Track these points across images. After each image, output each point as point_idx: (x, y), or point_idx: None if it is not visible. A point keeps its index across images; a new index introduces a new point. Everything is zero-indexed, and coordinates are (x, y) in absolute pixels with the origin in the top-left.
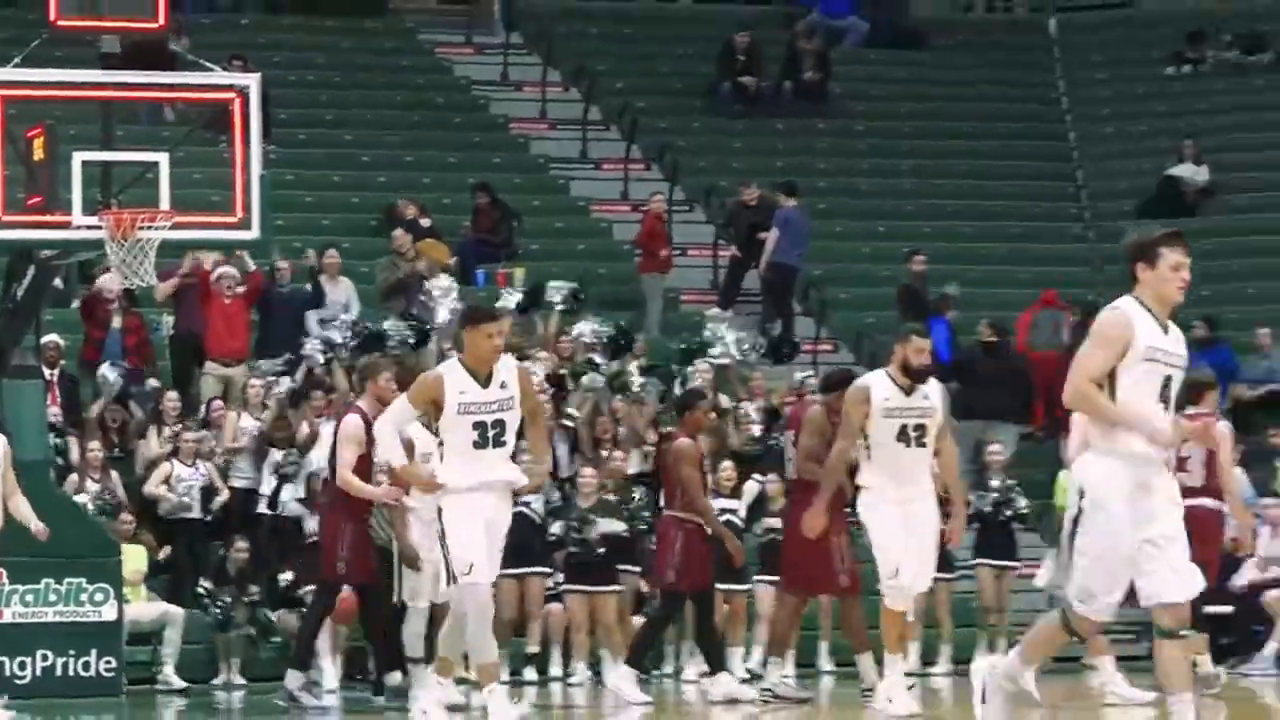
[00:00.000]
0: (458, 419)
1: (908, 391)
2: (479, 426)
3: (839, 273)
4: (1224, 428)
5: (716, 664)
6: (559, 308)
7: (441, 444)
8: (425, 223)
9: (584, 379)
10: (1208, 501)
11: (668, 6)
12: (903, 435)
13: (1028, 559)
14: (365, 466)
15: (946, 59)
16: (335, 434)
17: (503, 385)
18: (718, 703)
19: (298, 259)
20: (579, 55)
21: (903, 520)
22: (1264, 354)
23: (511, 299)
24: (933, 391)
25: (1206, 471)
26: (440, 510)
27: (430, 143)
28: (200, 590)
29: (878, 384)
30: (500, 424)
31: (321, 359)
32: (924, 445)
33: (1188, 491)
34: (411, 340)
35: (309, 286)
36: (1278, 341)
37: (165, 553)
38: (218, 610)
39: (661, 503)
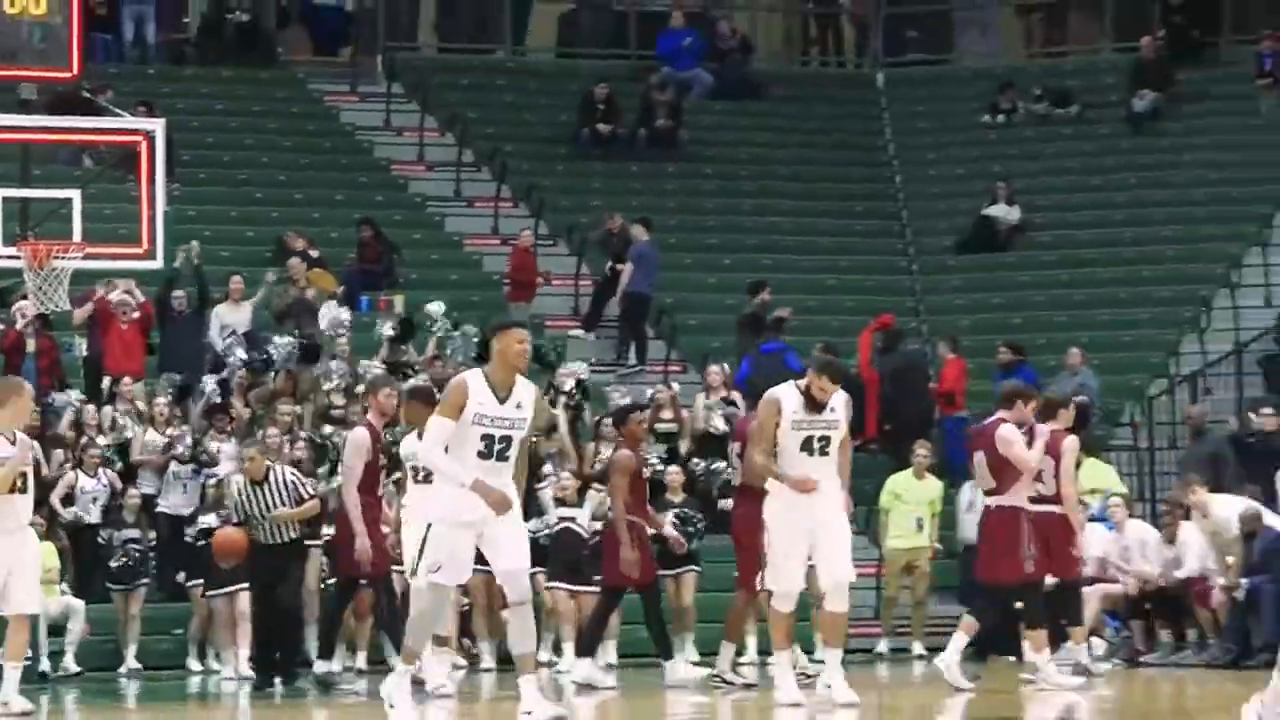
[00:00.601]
0: (470, 428)
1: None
2: (487, 439)
3: (687, 301)
4: (1071, 441)
5: (665, 652)
6: (437, 333)
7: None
8: (314, 253)
9: None
10: (1058, 509)
11: (533, 60)
12: (807, 445)
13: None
14: (372, 476)
15: (784, 108)
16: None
17: (519, 405)
18: (673, 686)
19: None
20: (453, 104)
21: (809, 528)
22: (1074, 371)
23: (386, 326)
24: (839, 405)
25: (1058, 482)
26: (431, 510)
27: (319, 182)
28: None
29: (788, 397)
30: (508, 440)
31: (236, 373)
32: (827, 454)
33: (1044, 499)
34: (298, 356)
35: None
36: (1086, 361)
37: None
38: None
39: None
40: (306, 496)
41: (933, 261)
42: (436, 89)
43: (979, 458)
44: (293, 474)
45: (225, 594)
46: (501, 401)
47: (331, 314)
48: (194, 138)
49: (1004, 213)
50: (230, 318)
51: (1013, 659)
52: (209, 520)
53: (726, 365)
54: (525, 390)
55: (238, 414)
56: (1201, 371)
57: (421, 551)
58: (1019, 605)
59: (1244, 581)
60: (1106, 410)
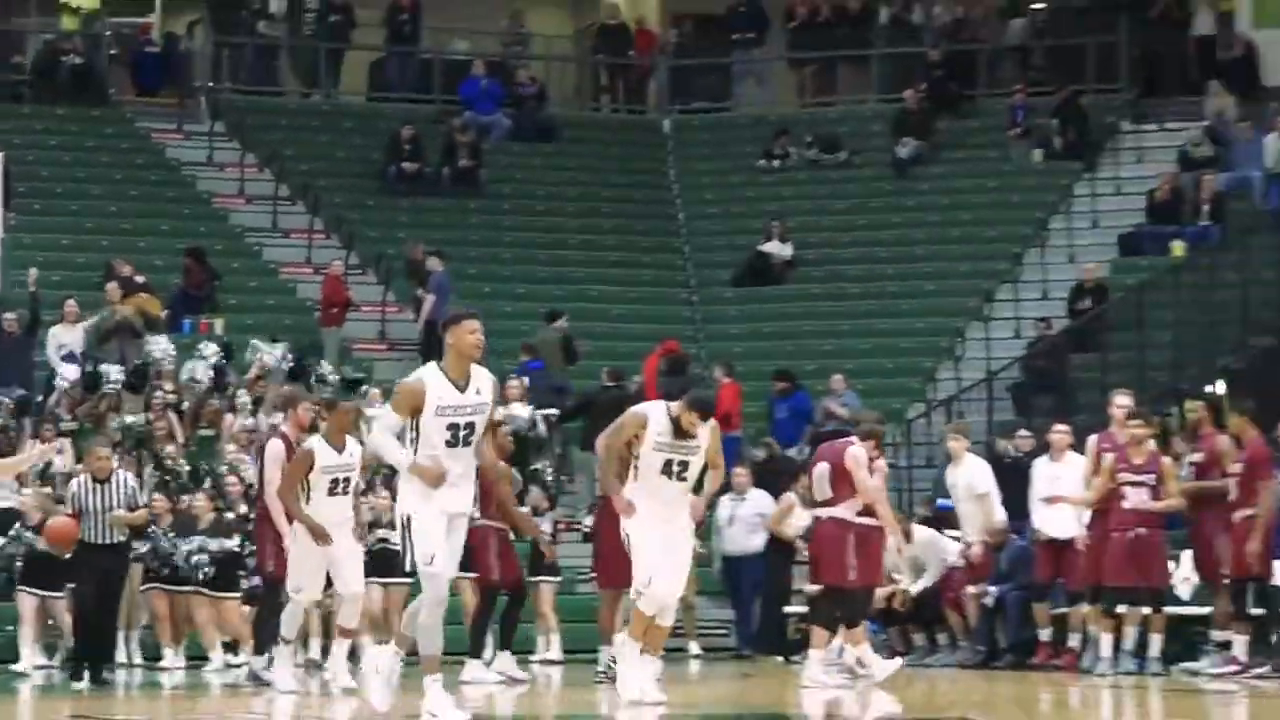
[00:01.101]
0: (435, 420)
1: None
2: (452, 428)
3: (485, 326)
4: (857, 451)
5: (506, 645)
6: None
7: (415, 441)
8: (139, 279)
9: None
10: (837, 511)
11: (345, 102)
12: (667, 469)
13: None
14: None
15: (576, 150)
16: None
17: (478, 392)
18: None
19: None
20: (271, 142)
21: (663, 537)
22: (839, 394)
23: (209, 350)
24: (703, 432)
25: (833, 489)
26: (406, 503)
27: (146, 213)
28: None
29: (655, 417)
30: (471, 425)
31: (62, 389)
32: (684, 479)
33: (820, 504)
34: (123, 380)
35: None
36: (851, 385)
37: None
38: None
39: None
40: (139, 505)
41: (712, 293)
42: (255, 128)
43: (822, 469)
44: (133, 481)
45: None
46: (461, 390)
47: (161, 345)
48: (29, 171)
49: (777, 249)
50: (65, 338)
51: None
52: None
53: (526, 379)
54: (482, 378)
55: (65, 428)
56: (956, 397)
57: (409, 547)
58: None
59: (992, 589)
60: None
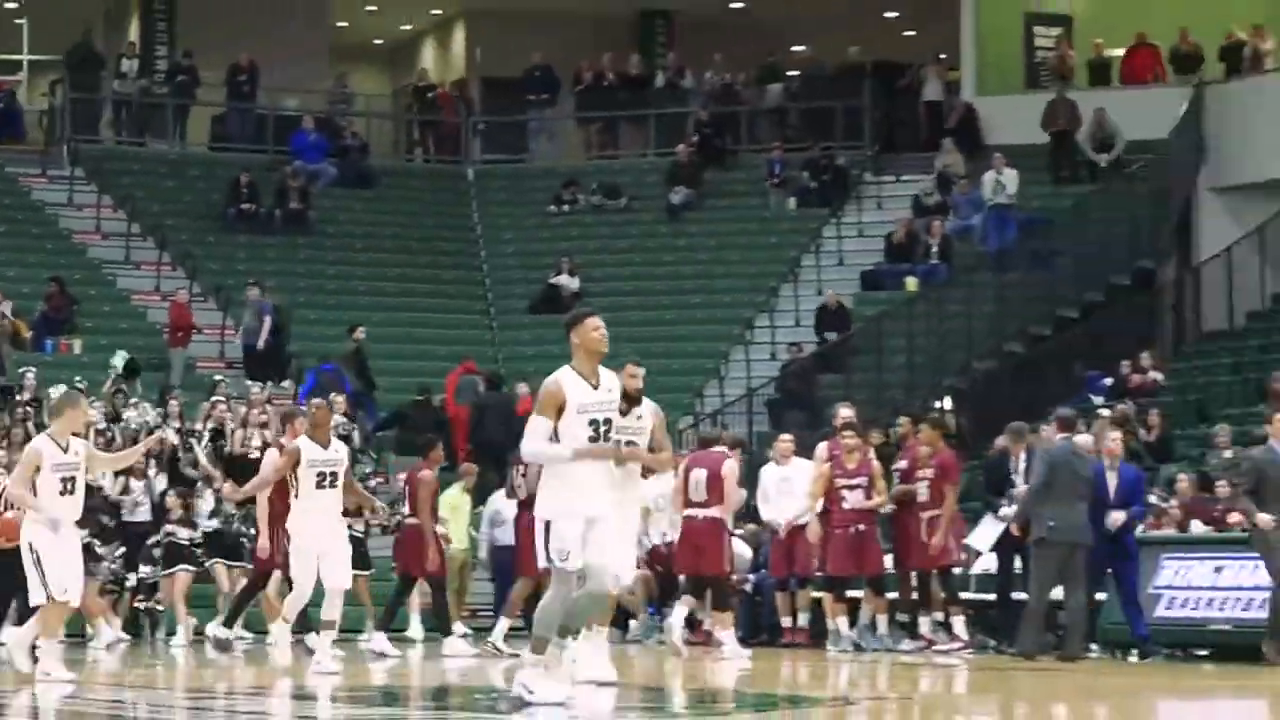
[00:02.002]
0: (577, 419)
1: (624, 413)
2: (594, 424)
3: (311, 348)
4: (733, 464)
5: (445, 629)
6: (114, 373)
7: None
8: (6, 306)
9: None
10: (713, 512)
11: (190, 151)
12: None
13: None
14: (283, 486)
15: (393, 195)
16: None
17: (609, 389)
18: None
19: None
20: (126, 185)
21: (619, 524)
22: None
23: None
24: (646, 412)
25: (709, 493)
26: (546, 508)
27: (14, 247)
28: None
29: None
30: (609, 421)
31: None
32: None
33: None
34: None
35: None
36: None
37: None
38: None
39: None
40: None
41: (509, 320)
42: (111, 173)
43: (699, 475)
44: None
45: None
46: (595, 388)
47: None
48: None
49: (567, 282)
50: None
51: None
52: None
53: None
54: (610, 375)
55: None
56: (720, 411)
57: (547, 542)
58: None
59: (751, 576)
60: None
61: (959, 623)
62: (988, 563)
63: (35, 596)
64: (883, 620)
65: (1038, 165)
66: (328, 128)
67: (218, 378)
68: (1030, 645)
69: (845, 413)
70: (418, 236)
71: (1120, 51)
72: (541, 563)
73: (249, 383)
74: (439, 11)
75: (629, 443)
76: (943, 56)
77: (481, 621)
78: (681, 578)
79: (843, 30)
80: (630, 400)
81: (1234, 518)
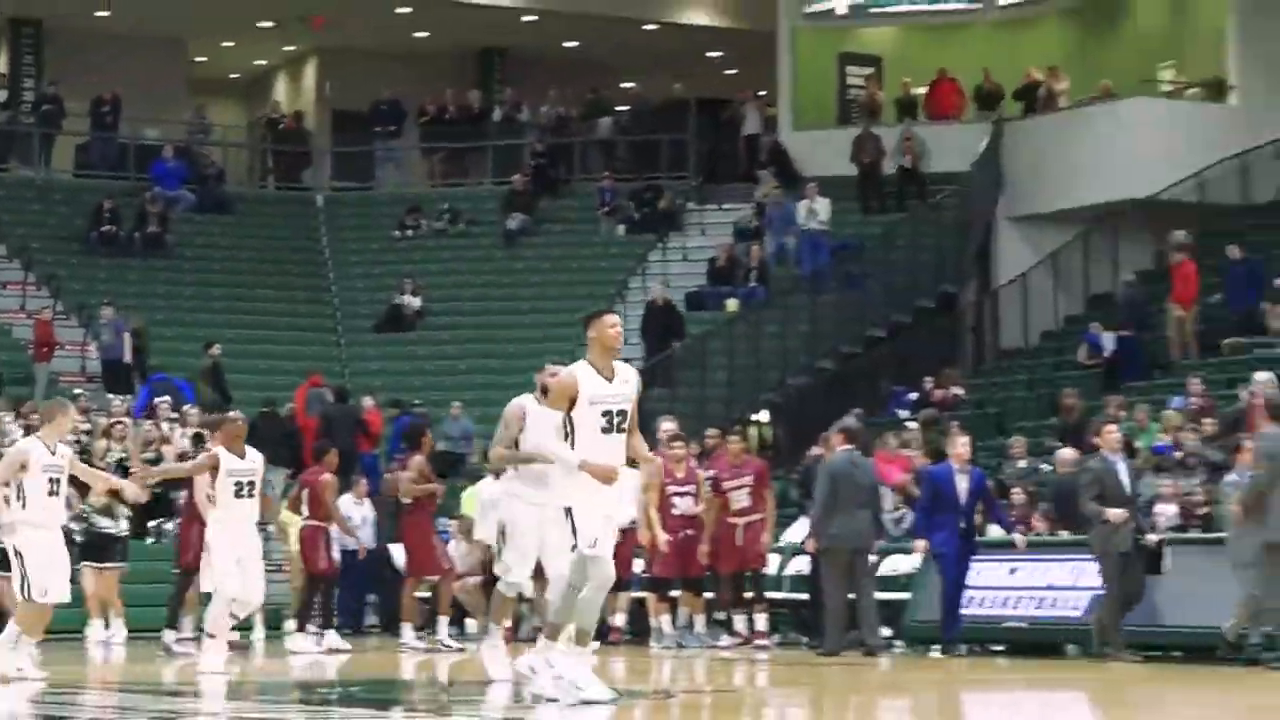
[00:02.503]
0: (590, 409)
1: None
2: (606, 415)
3: (169, 364)
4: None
5: (327, 622)
6: None
7: (571, 434)
8: None
9: None
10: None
11: (55, 178)
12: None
13: None
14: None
15: (248, 220)
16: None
17: (625, 381)
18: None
19: None
20: None
21: (537, 526)
22: (456, 419)
23: None
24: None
25: None
26: (566, 496)
27: None
28: None
29: (530, 406)
30: (623, 413)
31: None
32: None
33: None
34: None
35: None
36: (466, 413)
37: None
38: None
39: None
40: None
41: (356, 337)
42: None
43: None
44: None
45: None
46: (609, 381)
47: None
48: None
49: (409, 302)
50: None
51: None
52: None
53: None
54: (625, 368)
55: None
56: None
57: (574, 532)
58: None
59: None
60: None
61: (762, 620)
62: (800, 564)
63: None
64: (700, 619)
65: (849, 195)
66: (186, 156)
67: (77, 391)
68: (835, 643)
69: (668, 426)
70: (270, 259)
71: (925, 89)
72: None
73: (110, 396)
74: (292, 48)
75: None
76: (761, 93)
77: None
78: None
79: (668, 68)
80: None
81: (1038, 524)
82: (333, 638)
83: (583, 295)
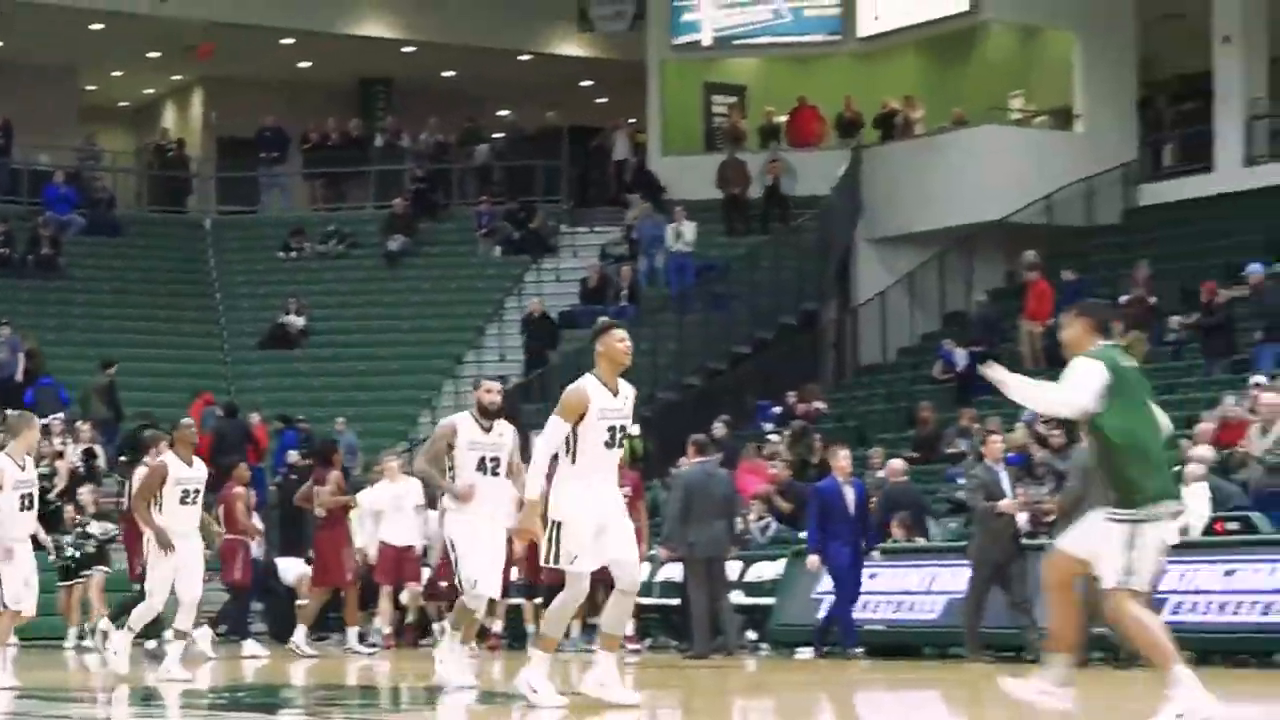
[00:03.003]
0: (598, 424)
1: (486, 430)
2: (610, 430)
3: (68, 380)
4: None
5: (244, 632)
6: None
7: (574, 446)
8: None
9: None
10: None
11: None
12: (481, 466)
13: None
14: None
15: (138, 243)
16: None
17: (626, 398)
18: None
19: None
20: None
21: (487, 537)
22: (340, 433)
23: None
24: (506, 430)
25: None
26: (560, 509)
27: None
28: None
29: (463, 423)
30: (623, 428)
31: None
32: (498, 475)
33: None
34: None
35: None
36: (350, 427)
37: None
38: None
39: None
40: None
41: (242, 355)
42: None
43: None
44: None
45: None
46: (615, 395)
47: None
48: None
49: (294, 320)
50: None
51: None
52: None
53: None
54: (626, 385)
55: None
56: (428, 438)
57: (557, 545)
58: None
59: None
60: (367, 463)
61: (630, 625)
62: (670, 571)
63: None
64: (575, 624)
65: (715, 218)
66: (77, 181)
67: None
68: (702, 646)
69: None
70: (159, 280)
71: (787, 117)
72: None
73: (8, 411)
74: (179, 77)
75: (494, 459)
76: (631, 121)
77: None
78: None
79: (542, 97)
80: (490, 415)
81: (897, 531)
82: (251, 645)
83: (461, 314)
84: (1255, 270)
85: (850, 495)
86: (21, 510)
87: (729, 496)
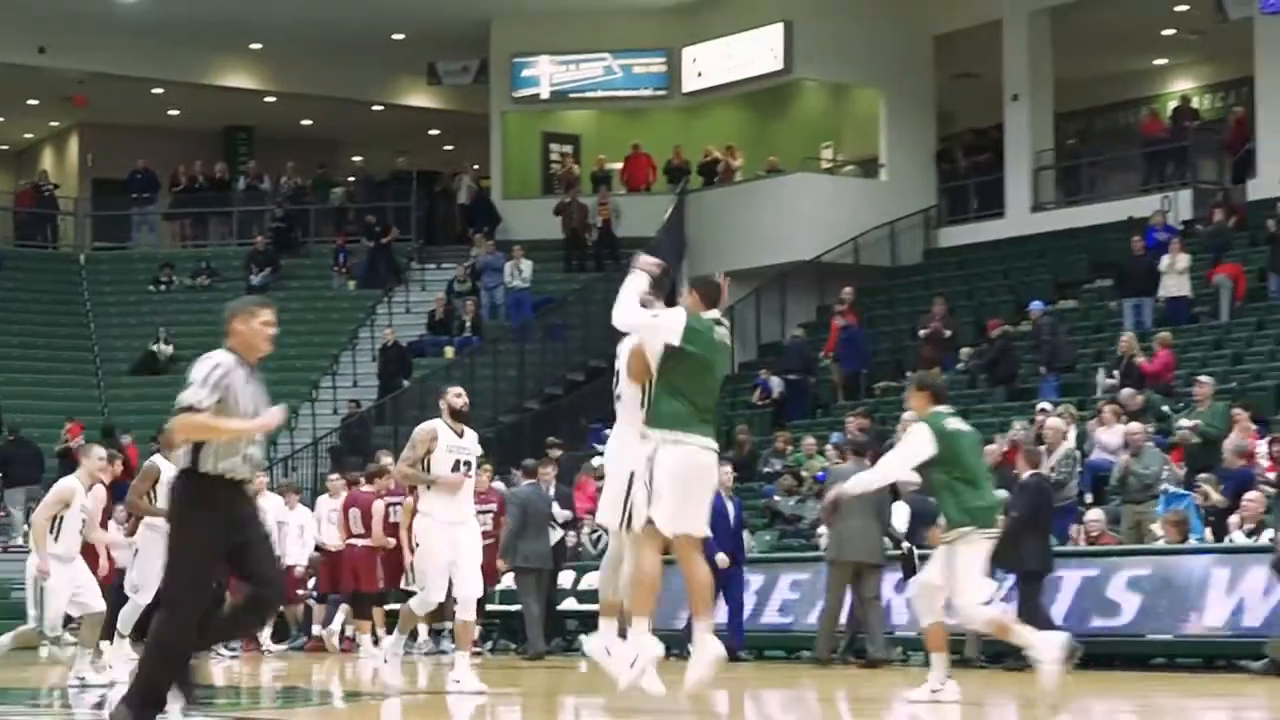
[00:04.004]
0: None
1: (459, 434)
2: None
3: None
4: (380, 504)
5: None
6: None
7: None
8: None
9: None
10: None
11: None
12: (456, 467)
13: None
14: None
15: (16, 277)
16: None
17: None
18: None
19: None
20: None
21: (451, 542)
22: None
23: None
24: (471, 435)
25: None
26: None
27: None
28: None
29: (440, 429)
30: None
31: None
32: (469, 476)
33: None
34: None
35: None
36: None
37: None
38: None
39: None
40: None
41: (114, 380)
42: None
43: (356, 512)
44: None
45: None
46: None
47: None
48: None
49: (163, 349)
50: None
51: None
52: None
53: None
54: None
55: None
56: (291, 456)
57: (628, 508)
58: None
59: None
60: None
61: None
62: (509, 580)
63: None
64: (424, 629)
65: (553, 256)
66: None
67: None
68: (537, 648)
69: (386, 460)
70: (38, 311)
71: (620, 165)
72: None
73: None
74: (57, 123)
75: (467, 461)
76: (475, 166)
77: None
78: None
79: (393, 144)
80: (461, 419)
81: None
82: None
83: (319, 343)
84: (1036, 308)
85: (730, 509)
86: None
87: (550, 514)
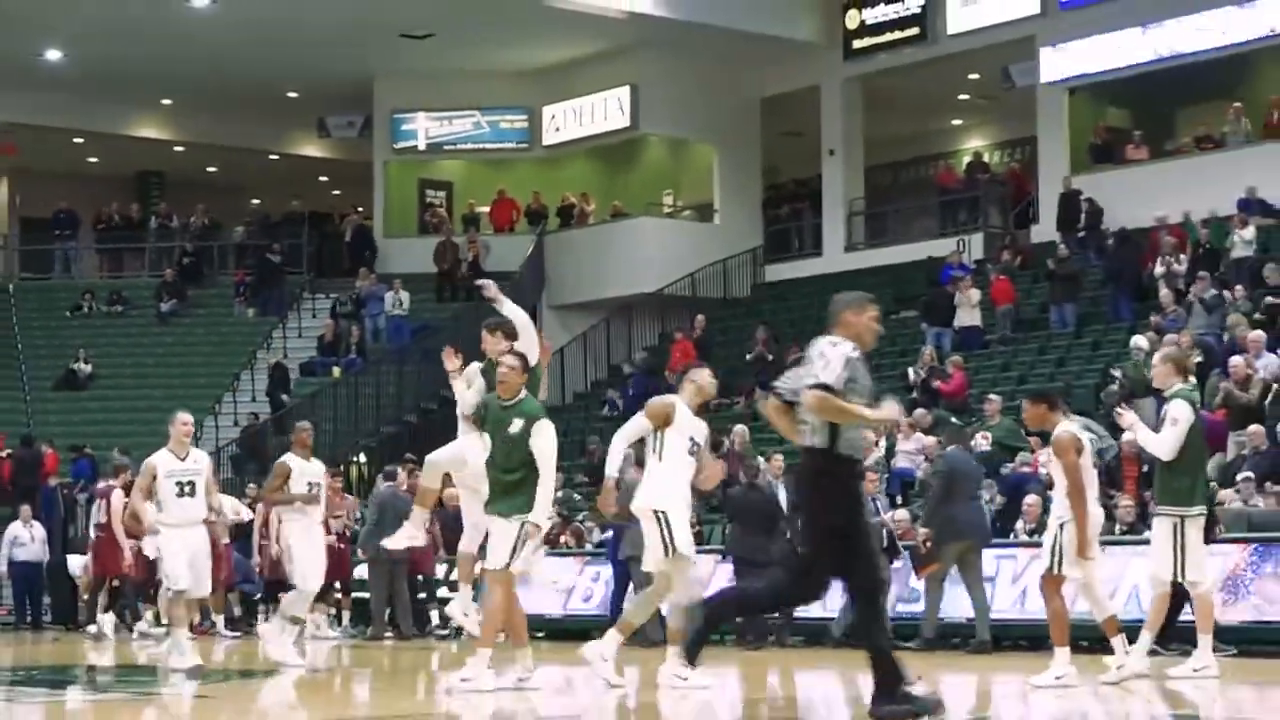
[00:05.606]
0: (679, 438)
1: (308, 460)
2: (692, 442)
3: None
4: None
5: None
6: None
7: (659, 451)
8: None
9: None
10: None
11: None
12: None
13: None
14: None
15: None
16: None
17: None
18: None
19: None
20: None
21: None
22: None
23: None
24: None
25: None
26: (663, 501)
27: None
28: None
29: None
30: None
31: None
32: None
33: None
34: None
35: None
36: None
37: None
38: None
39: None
40: None
41: (39, 395)
42: None
43: None
44: None
45: None
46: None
47: None
48: None
49: (83, 368)
50: None
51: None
52: None
53: None
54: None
55: None
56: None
57: (670, 534)
58: None
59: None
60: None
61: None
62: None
63: None
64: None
65: (428, 287)
66: None
67: None
68: (378, 631)
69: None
70: None
71: (487, 208)
72: (653, 560)
73: None
74: None
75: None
76: (360, 209)
77: None
78: None
79: (288, 188)
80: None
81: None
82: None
83: (221, 363)
84: None
85: None
86: (180, 496)
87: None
